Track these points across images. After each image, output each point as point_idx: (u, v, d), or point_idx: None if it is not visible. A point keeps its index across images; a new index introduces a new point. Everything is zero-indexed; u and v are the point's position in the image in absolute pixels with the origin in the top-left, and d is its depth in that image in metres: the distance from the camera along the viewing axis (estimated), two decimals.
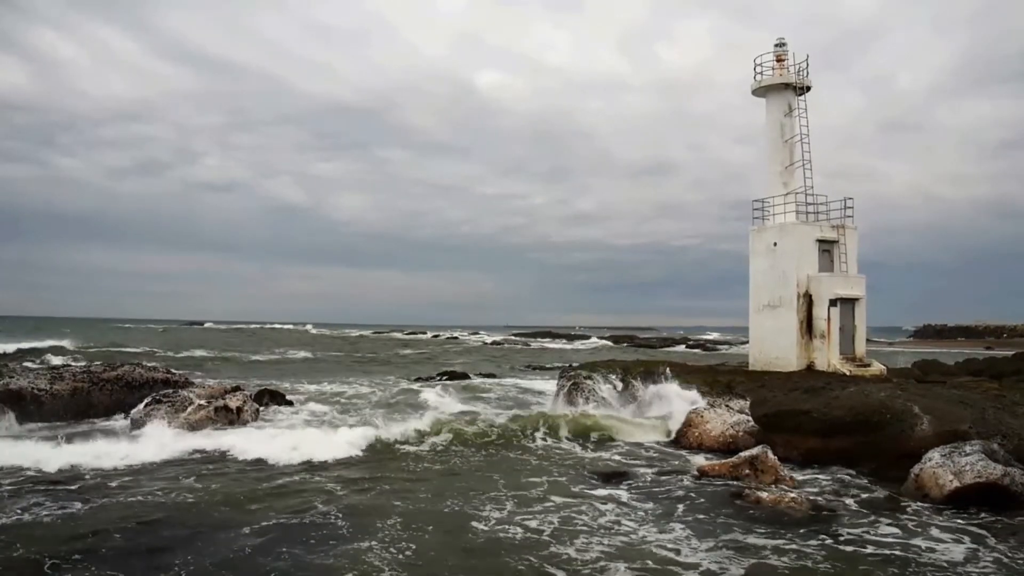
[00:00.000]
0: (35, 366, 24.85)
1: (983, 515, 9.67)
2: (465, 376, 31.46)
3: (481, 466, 12.88)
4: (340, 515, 9.36)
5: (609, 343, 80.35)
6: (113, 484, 10.82)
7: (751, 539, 8.65)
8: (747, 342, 23.08)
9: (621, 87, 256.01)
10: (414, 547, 8.12)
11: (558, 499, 10.45)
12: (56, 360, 32.42)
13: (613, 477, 12.13)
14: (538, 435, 15.43)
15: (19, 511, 9.17)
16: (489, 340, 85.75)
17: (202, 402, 15.80)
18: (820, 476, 12.18)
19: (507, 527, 9.02)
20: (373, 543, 8.20)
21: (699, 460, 13.30)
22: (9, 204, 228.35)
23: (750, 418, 15.04)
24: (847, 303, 20.37)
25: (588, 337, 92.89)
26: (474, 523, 9.18)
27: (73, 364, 20.58)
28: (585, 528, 9.05)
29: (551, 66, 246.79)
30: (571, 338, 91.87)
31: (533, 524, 9.14)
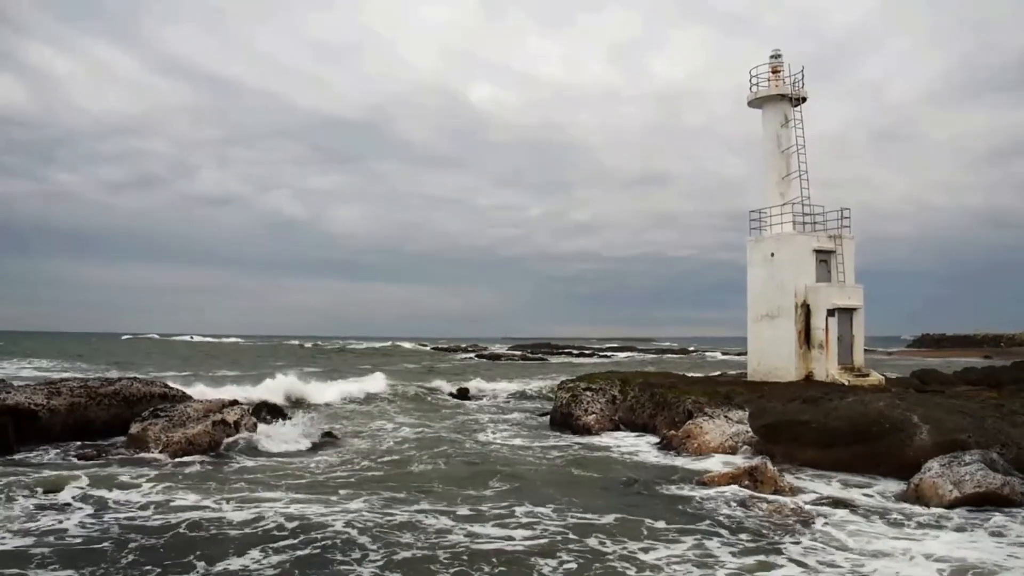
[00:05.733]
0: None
1: (983, 525, 9.64)
2: (464, 394, 30.41)
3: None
4: None
5: None
6: None
7: (750, 549, 8.62)
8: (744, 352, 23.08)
9: (613, 99, 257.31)
10: None
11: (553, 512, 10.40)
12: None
13: (609, 487, 12.11)
14: None
15: None
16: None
17: (200, 416, 15.74)
18: (819, 486, 12.14)
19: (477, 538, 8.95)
20: None
21: (697, 471, 13.25)
22: (8, 219, 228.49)
23: (749, 429, 15.02)
24: (845, 313, 20.40)
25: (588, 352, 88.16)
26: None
27: (70, 378, 20.43)
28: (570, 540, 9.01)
29: (543, 79, 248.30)
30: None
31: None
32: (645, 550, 8.65)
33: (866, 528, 9.61)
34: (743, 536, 9.22)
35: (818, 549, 8.68)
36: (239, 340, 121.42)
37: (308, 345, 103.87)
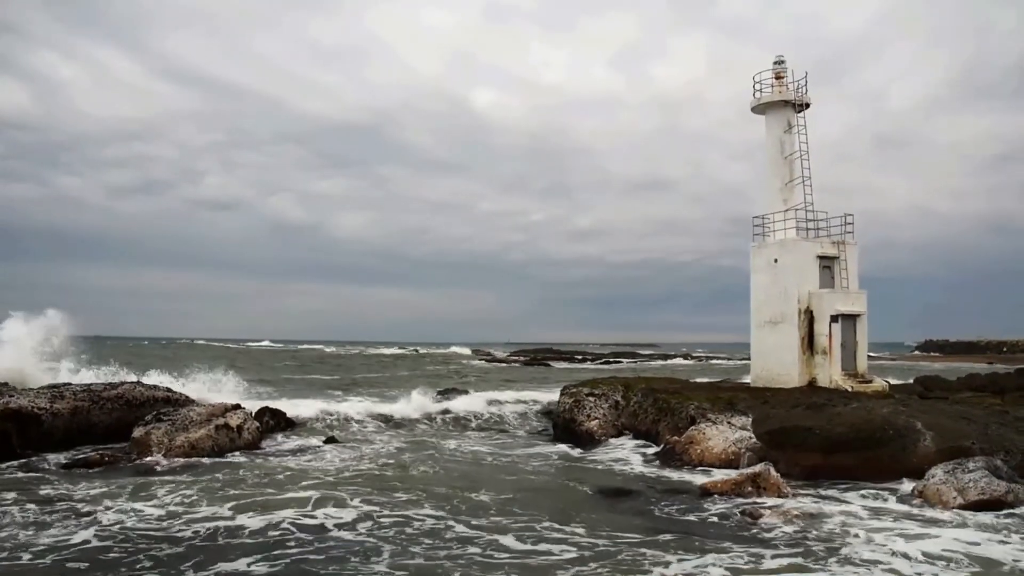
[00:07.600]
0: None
1: (987, 533, 9.60)
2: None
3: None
4: None
5: None
6: None
7: (755, 558, 8.60)
8: (747, 358, 23.05)
9: (616, 104, 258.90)
10: None
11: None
12: None
13: (614, 495, 12.09)
14: None
15: None
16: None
17: (203, 420, 15.75)
18: (823, 493, 12.11)
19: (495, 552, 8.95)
20: None
21: (701, 478, 13.24)
22: (12, 223, 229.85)
23: (752, 435, 14.98)
24: (848, 319, 20.34)
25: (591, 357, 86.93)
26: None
27: (73, 382, 20.42)
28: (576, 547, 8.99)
29: (546, 84, 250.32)
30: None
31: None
32: (646, 556, 8.63)
33: (874, 535, 9.55)
34: (753, 544, 9.19)
35: (831, 557, 8.64)
36: (268, 344, 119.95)
37: (330, 350, 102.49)
